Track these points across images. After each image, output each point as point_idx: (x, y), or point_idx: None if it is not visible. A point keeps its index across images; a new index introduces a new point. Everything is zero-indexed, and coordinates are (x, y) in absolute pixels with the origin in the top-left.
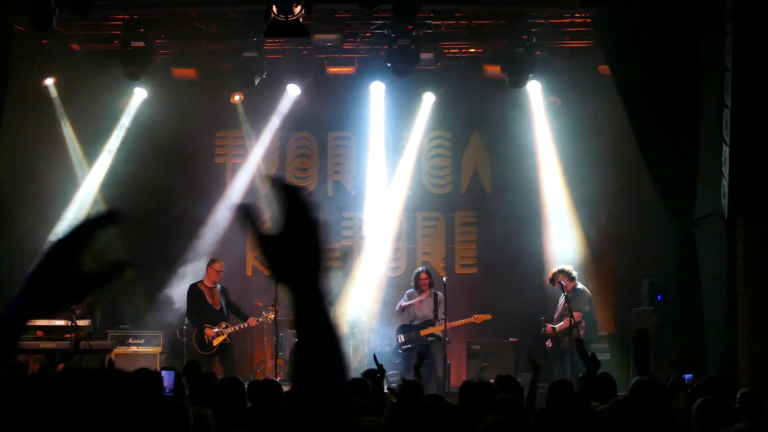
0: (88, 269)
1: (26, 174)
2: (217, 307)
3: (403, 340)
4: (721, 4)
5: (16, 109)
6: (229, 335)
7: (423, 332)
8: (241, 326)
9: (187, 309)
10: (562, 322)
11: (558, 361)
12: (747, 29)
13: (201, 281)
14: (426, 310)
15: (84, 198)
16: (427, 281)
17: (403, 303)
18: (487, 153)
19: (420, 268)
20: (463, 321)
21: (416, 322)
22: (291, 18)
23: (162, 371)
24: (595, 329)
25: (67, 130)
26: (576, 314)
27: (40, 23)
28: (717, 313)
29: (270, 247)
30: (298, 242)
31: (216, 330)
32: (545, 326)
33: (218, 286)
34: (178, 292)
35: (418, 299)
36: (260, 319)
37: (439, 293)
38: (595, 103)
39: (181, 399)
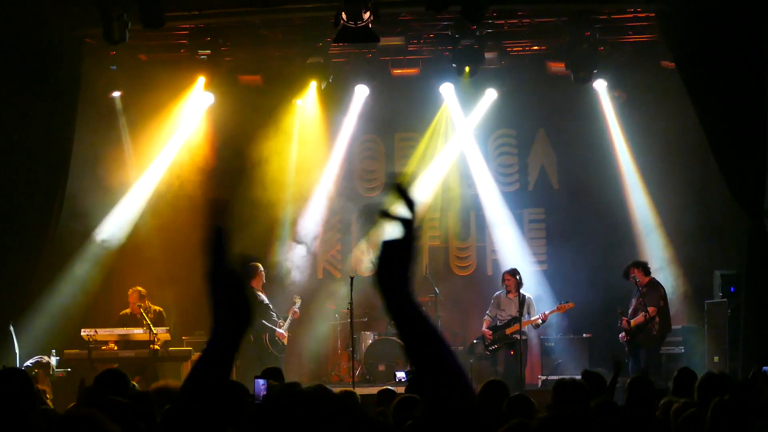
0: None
1: (97, 184)
2: (272, 308)
3: (490, 339)
4: None
5: (85, 121)
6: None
7: (508, 330)
8: (289, 317)
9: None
10: (637, 317)
11: (632, 356)
12: None
13: (254, 287)
14: (514, 311)
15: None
16: (511, 282)
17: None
18: (553, 149)
19: (507, 271)
20: (548, 313)
21: (500, 323)
22: (360, 24)
23: (255, 379)
24: (669, 325)
25: (128, 139)
26: (650, 309)
27: (112, 37)
28: None
29: (390, 252)
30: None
31: (282, 330)
32: (621, 319)
33: None
34: None
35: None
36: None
37: (527, 295)
38: (661, 97)
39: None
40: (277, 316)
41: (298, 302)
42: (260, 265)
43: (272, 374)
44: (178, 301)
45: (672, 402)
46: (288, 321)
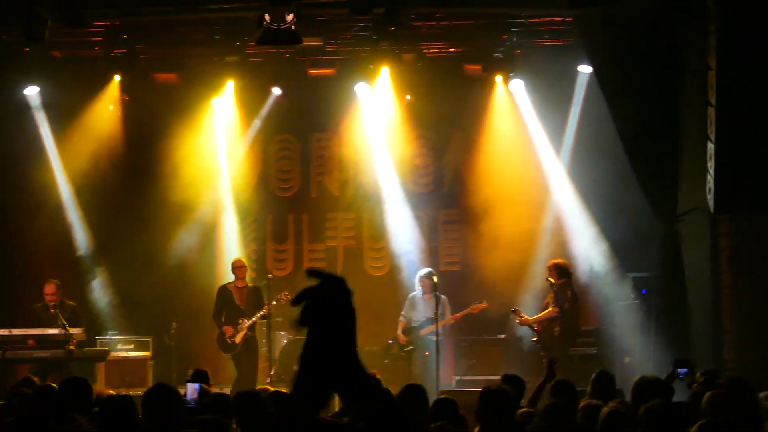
0: None
1: (16, 182)
2: (243, 307)
3: (405, 341)
4: (701, 4)
5: (1, 118)
6: (249, 329)
7: (423, 332)
8: (258, 315)
9: (213, 311)
10: (541, 313)
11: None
12: (731, 29)
13: (231, 282)
14: (429, 312)
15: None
16: (426, 283)
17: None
18: (469, 151)
19: (422, 272)
20: (462, 313)
21: (415, 324)
22: (283, 26)
23: (187, 383)
24: (575, 328)
25: (49, 138)
26: (553, 309)
27: (32, 35)
28: (702, 306)
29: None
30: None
31: (233, 327)
32: (519, 317)
33: (250, 286)
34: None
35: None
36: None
37: (443, 296)
38: (576, 100)
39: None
40: (243, 313)
41: (275, 302)
42: (237, 260)
43: (200, 377)
44: (92, 300)
45: (593, 405)
46: (253, 319)
